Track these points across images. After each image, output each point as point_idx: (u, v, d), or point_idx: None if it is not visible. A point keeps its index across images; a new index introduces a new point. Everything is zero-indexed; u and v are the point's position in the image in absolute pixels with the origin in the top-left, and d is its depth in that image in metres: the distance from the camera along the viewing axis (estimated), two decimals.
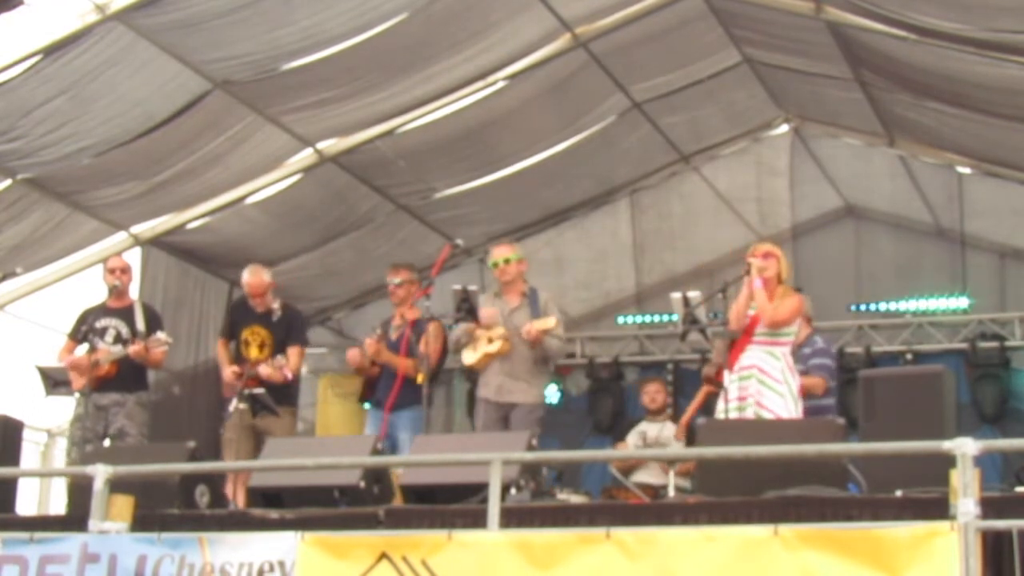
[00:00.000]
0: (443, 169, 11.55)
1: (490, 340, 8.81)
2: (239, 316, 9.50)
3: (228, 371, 9.16)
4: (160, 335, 8.91)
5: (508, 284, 9.03)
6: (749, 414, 7.64)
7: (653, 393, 10.21)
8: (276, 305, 9.31)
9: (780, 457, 6.01)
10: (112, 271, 9.20)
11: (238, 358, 9.28)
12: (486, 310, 8.93)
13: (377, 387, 9.19)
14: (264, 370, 8.95)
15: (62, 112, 9.04)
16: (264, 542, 6.00)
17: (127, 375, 8.91)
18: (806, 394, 8.14)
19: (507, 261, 9.00)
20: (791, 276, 8.34)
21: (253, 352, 9.16)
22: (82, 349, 8.97)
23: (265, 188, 11.01)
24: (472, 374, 12.85)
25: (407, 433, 8.74)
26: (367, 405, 9.41)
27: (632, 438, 10.04)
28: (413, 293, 9.21)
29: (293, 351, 9.16)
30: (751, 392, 7.72)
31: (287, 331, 9.24)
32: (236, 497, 8.20)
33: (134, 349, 8.82)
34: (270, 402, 8.75)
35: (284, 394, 9.10)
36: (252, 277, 9.42)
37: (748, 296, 7.91)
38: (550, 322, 8.68)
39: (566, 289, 12.76)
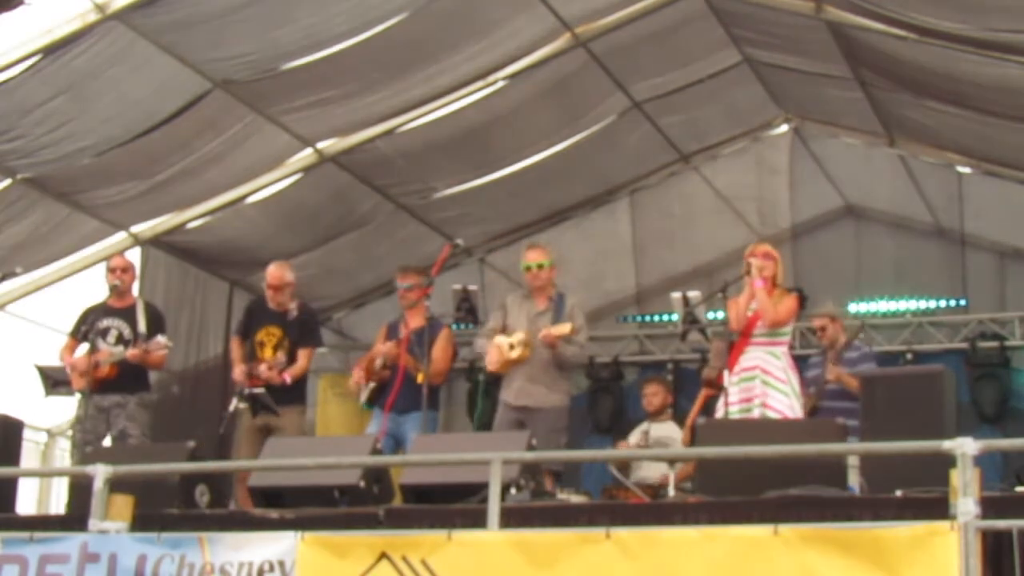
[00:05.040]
0: (443, 169, 11.55)
1: (511, 346, 8.78)
2: (255, 316, 9.35)
3: (238, 370, 9.06)
4: (160, 339, 8.84)
5: (538, 289, 8.96)
6: (755, 415, 7.65)
7: (650, 396, 10.15)
8: (293, 305, 9.23)
9: (780, 457, 6.02)
10: (113, 270, 9.16)
11: (253, 359, 9.09)
12: (492, 348, 8.89)
13: (386, 391, 9.10)
14: (264, 372, 8.88)
15: (62, 112, 9.04)
16: (264, 542, 6.00)
17: (128, 376, 8.86)
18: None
19: (540, 266, 8.89)
20: (787, 278, 8.34)
21: (268, 353, 9.03)
22: (83, 348, 8.95)
23: (265, 188, 11.01)
24: (473, 374, 12.93)
25: (416, 435, 8.67)
26: (367, 406, 9.37)
27: (634, 437, 10.02)
28: (421, 298, 9.13)
29: (303, 352, 9.08)
30: (756, 393, 7.73)
31: (301, 331, 9.15)
32: (242, 500, 8.14)
33: (132, 353, 8.77)
34: (270, 402, 8.72)
35: (289, 393, 8.99)
36: (276, 269, 9.25)
37: (749, 296, 7.92)
38: (566, 328, 8.63)
39: (566, 289, 12.75)
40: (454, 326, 12.57)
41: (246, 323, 9.40)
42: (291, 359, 9.01)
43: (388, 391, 8.97)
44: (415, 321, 8.96)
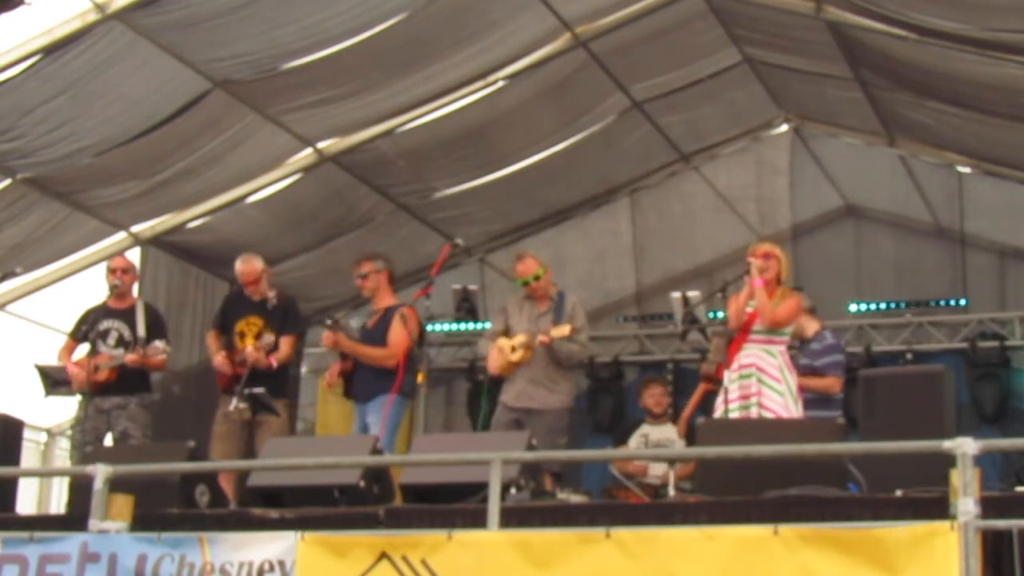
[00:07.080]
0: (443, 169, 11.55)
1: (513, 349, 8.79)
2: (233, 308, 9.25)
3: (218, 357, 8.93)
4: (159, 344, 8.77)
5: (539, 295, 9.00)
6: (753, 413, 7.66)
7: (659, 396, 10.13)
8: (271, 294, 9.08)
9: (780, 457, 6.01)
10: (113, 271, 9.11)
11: (232, 352, 8.98)
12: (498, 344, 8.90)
13: (353, 381, 9.04)
14: (251, 353, 8.75)
15: (62, 112, 9.05)
16: (264, 542, 5.99)
17: (128, 378, 8.81)
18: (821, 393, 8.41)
19: (537, 278, 8.96)
20: (791, 276, 8.34)
21: (249, 343, 8.91)
22: (83, 349, 8.94)
23: (265, 187, 11.02)
24: (473, 374, 12.92)
25: (375, 416, 8.64)
26: (345, 397, 9.39)
27: (635, 441, 10.00)
28: (382, 283, 9.11)
29: (285, 340, 8.95)
30: (753, 391, 7.73)
31: (282, 319, 9.01)
32: (226, 490, 8.13)
33: (130, 358, 8.73)
34: (270, 401, 8.69)
35: (279, 385, 8.93)
36: (244, 265, 9.16)
37: (748, 294, 7.92)
38: (564, 329, 8.66)
39: (566, 289, 12.75)
40: (453, 325, 12.67)
41: (223, 315, 9.28)
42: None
43: (355, 381, 8.97)
44: (377, 307, 9.00)
